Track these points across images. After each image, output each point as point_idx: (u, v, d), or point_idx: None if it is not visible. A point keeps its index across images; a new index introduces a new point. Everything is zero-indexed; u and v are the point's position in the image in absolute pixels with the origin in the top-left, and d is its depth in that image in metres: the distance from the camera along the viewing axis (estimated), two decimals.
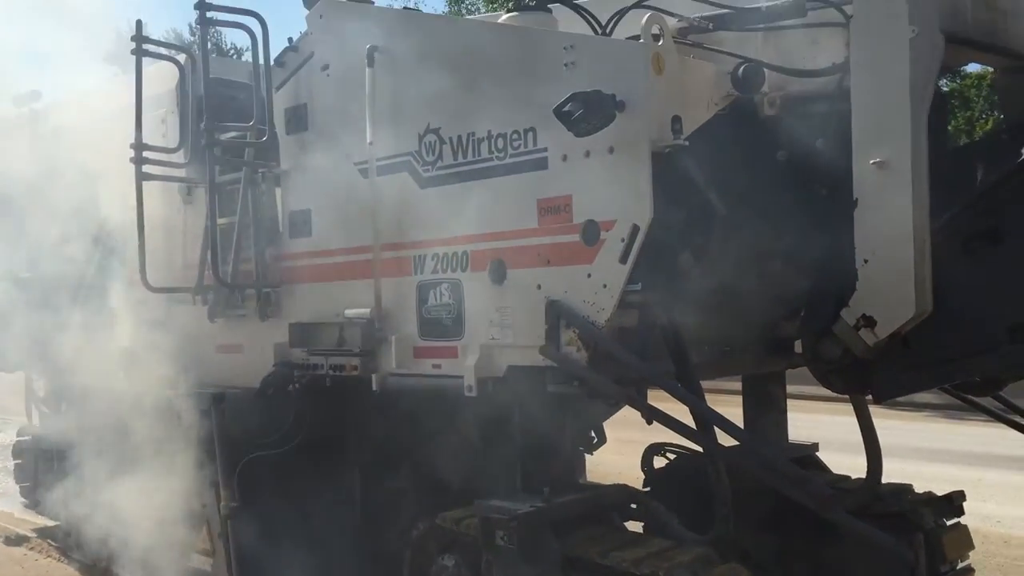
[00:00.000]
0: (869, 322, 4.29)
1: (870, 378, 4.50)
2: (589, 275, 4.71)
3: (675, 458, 6.58)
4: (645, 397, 4.85)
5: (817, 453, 6.56)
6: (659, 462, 6.60)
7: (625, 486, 5.42)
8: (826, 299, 4.52)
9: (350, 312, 5.89)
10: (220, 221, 6.50)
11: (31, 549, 8.78)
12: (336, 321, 5.97)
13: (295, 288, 6.42)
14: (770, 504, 5.37)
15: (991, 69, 5.62)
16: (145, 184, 6.75)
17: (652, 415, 4.69)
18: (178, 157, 7.01)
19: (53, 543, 8.71)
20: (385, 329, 5.75)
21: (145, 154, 6.73)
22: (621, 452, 7.97)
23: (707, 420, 4.68)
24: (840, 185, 4.46)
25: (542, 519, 4.96)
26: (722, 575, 4.67)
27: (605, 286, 4.64)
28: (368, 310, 5.78)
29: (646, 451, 6.68)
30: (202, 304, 6.95)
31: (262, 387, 6.25)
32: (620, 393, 4.84)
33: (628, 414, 6.69)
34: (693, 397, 4.70)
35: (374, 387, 5.77)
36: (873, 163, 4.26)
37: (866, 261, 4.31)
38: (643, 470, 6.65)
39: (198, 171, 6.81)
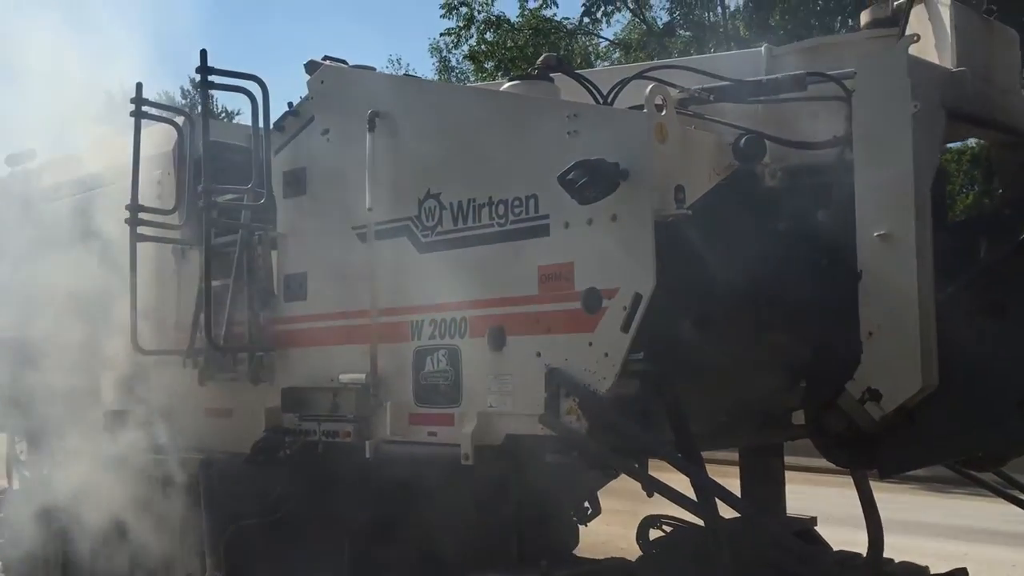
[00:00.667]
0: (875, 395, 4.24)
1: (875, 452, 4.44)
2: (590, 343, 4.66)
3: (672, 531, 6.46)
4: (646, 468, 4.77)
5: (815, 527, 6.46)
6: (653, 536, 6.49)
7: (624, 559, 5.31)
8: (830, 372, 4.48)
9: (345, 377, 5.81)
10: (214, 283, 6.43)
11: None
12: (330, 386, 5.88)
13: (289, 352, 6.33)
14: None
15: (971, 143, 5.68)
16: (139, 245, 6.71)
17: (653, 487, 4.60)
18: (173, 219, 6.98)
19: None
20: (380, 395, 5.66)
21: (140, 215, 6.69)
22: (612, 523, 7.86)
23: (709, 492, 4.59)
24: (843, 257, 4.44)
25: None
26: None
27: (606, 355, 4.58)
28: (363, 375, 5.70)
29: (642, 523, 6.55)
30: (192, 367, 6.85)
31: (252, 453, 6.12)
32: (620, 464, 4.76)
33: (620, 484, 6.63)
34: (695, 468, 4.62)
35: (367, 454, 5.66)
36: (877, 236, 4.26)
37: (871, 334, 4.28)
38: (638, 542, 6.51)
39: (193, 233, 6.78)
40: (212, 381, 6.84)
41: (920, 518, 11.81)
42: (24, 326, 8.00)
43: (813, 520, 6.53)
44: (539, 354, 4.88)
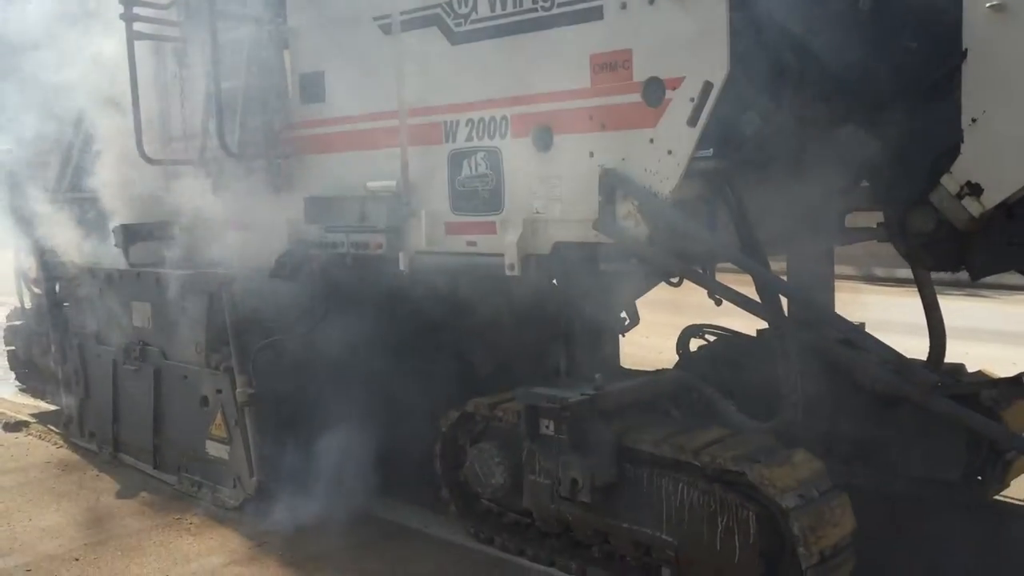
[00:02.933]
0: (975, 190, 3.82)
1: (965, 253, 4.07)
2: (651, 140, 4.21)
3: (715, 340, 6.22)
4: (714, 273, 4.41)
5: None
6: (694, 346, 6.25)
7: (680, 372, 5.04)
8: (920, 165, 4.05)
9: (373, 185, 5.38)
10: (222, 86, 5.89)
11: (31, 435, 8.41)
12: (357, 195, 5.47)
13: (309, 159, 5.87)
14: (816, 385, 4.99)
15: None
16: (137, 46, 6.12)
17: (721, 292, 4.27)
18: (172, 14, 6.35)
19: (54, 429, 8.34)
20: (413, 203, 5.25)
21: (136, 10, 6.07)
22: (649, 334, 7.63)
23: (775, 291, 4.24)
24: (944, 35, 3.92)
25: (594, 408, 4.59)
26: (788, 464, 4.33)
27: (670, 152, 4.14)
28: (393, 182, 5.27)
29: (683, 333, 6.31)
30: (205, 178, 6.41)
31: (276, 267, 5.78)
32: (684, 270, 4.40)
33: (653, 294, 6.34)
34: (762, 268, 4.28)
35: (401, 267, 5.31)
36: (989, 7, 3.71)
37: (974, 120, 3.81)
38: (678, 352, 6.29)
39: (195, 29, 6.17)
40: (228, 192, 6.42)
41: (972, 324, 11.56)
42: (29, 139, 7.49)
43: (862, 326, 6.26)
44: (592, 154, 4.43)
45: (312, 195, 5.76)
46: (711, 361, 6.03)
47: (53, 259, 7.67)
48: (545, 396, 4.67)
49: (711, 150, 4.09)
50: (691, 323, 6.32)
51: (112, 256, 7.13)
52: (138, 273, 6.76)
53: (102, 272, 7.09)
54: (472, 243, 5.03)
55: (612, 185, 4.34)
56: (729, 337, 6.11)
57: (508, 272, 4.75)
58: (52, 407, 9.16)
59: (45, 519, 6.43)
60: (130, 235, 6.82)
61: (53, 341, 7.76)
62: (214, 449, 6.18)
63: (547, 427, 4.72)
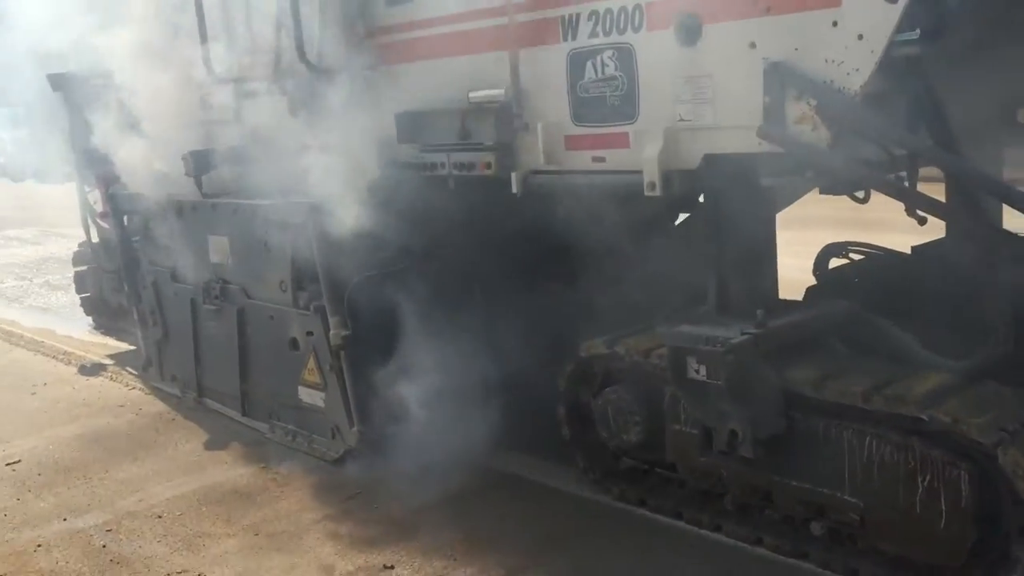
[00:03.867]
0: None
1: None
2: (835, 23, 3.41)
3: (861, 259, 5.44)
4: (915, 180, 3.64)
5: None
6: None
7: (848, 303, 4.31)
8: None
9: (477, 95, 4.66)
10: None
11: (108, 378, 8.00)
12: (458, 108, 4.76)
13: (399, 69, 5.15)
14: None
15: None
16: None
17: (921, 202, 3.53)
18: None
19: (132, 371, 7.92)
20: (526, 115, 4.54)
21: None
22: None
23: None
24: None
25: (757, 348, 3.91)
26: (974, 402, 3.61)
27: (861, 37, 3.35)
28: (501, 91, 4.55)
29: (823, 252, 5.55)
30: (280, 95, 5.74)
31: (367, 195, 5.12)
32: (879, 181, 3.63)
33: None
34: (968, 166, 3.52)
35: (513, 189, 4.63)
36: None
37: None
38: (815, 274, 5.53)
39: None
40: (308, 111, 5.75)
41: None
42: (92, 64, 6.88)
43: None
44: (753, 45, 3.65)
45: (405, 110, 5.06)
46: (857, 284, 5.28)
47: (121, 191, 7.11)
48: (699, 336, 3.99)
49: (917, 31, 3.28)
50: (830, 240, 5.56)
51: (184, 186, 6.56)
52: (213, 204, 6.17)
53: (174, 204, 6.52)
54: (599, 159, 4.31)
55: (781, 82, 3.57)
56: (880, 256, 5.34)
57: (648, 192, 4.04)
58: (128, 347, 8.78)
59: (123, 470, 6.02)
60: (201, 162, 6.21)
61: (125, 279, 7.27)
62: (308, 396, 5.65)
63: (697, 371, 4.05)
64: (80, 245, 9.49)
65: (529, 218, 4.65)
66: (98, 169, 7.33)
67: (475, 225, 4.94)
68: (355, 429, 5.32)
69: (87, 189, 8.18)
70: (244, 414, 6.23)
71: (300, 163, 5.69)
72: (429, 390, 4.97)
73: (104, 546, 5.05)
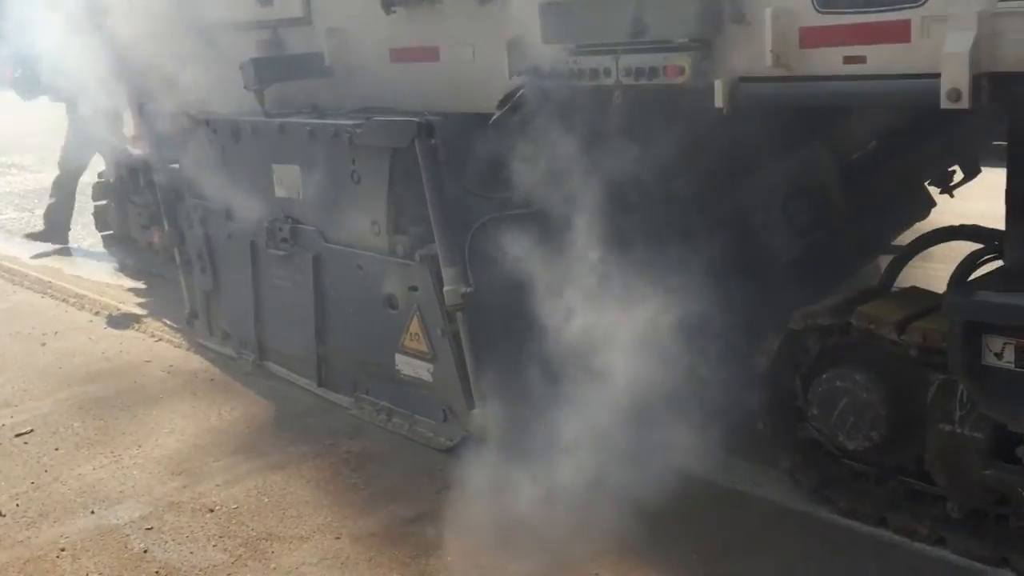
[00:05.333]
0: None
1: None
2: None
3: None
4: None
5: None
6: None
7: None
8: None
9: None
10: None
11: (142, 332, 6.85)
12: None
13: None
14: None
15: None
16: None
17: None
18: None
19: (171, 324, 6.77)
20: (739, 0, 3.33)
21: None
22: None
23: None
24: None
25: None
26: None
27: None
28: None
29: None
30: None
31: (501, 112, 3.92)
32: None
33: None
34: None
35: (717, 103, 3.41)
36: None
37: None
38: None
39: None
40: (403, 6, 4.54)
41: None
42: None
43: None
44: None
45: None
46: None
47: (159, 109, 5.88)
48: (1010, 308, 2.84)
49: None
50: None
51: (240, 102, 5.36)
52: (281, 125, 4.96)
53: (228, 124, 5.31)
54: (855, 58, 3.10)
55: None
56: None
57: (948, 103, 2.83)
58: (162, 294, 7.63)
59: (159, 445, 4.91)
60: (265, 72, 4.99)
61: (165, 216, 6.08)
62: (409, 367, 4.51)
63: (999, 355, 2.91)
64: (100, 175, 8.31)
65: (733, 143, 3.44)
66: (129, 83, 6.10)
67: (648, 153, 3.72)
68: (476, 411, 4.18)
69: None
70: (321, 384, 5.09)
71: (397, 72, 4.50)
72: (580, 368, 3.81)
73: (145, 551, 3.94)
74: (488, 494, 4.01)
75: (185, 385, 5.72)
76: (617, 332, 3.71)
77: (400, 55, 4.74)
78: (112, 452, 4.93)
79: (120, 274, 8.47)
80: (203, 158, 5.57)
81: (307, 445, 4.80)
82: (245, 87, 5.03)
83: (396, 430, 4.63)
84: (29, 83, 7.40)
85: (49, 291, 8.03)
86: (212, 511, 4.25)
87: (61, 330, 7.00)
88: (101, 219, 8.27)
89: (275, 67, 5.00)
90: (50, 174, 10.16)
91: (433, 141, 4.12)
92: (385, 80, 4.85)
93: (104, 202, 8.17)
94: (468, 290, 4.09)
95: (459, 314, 4.14)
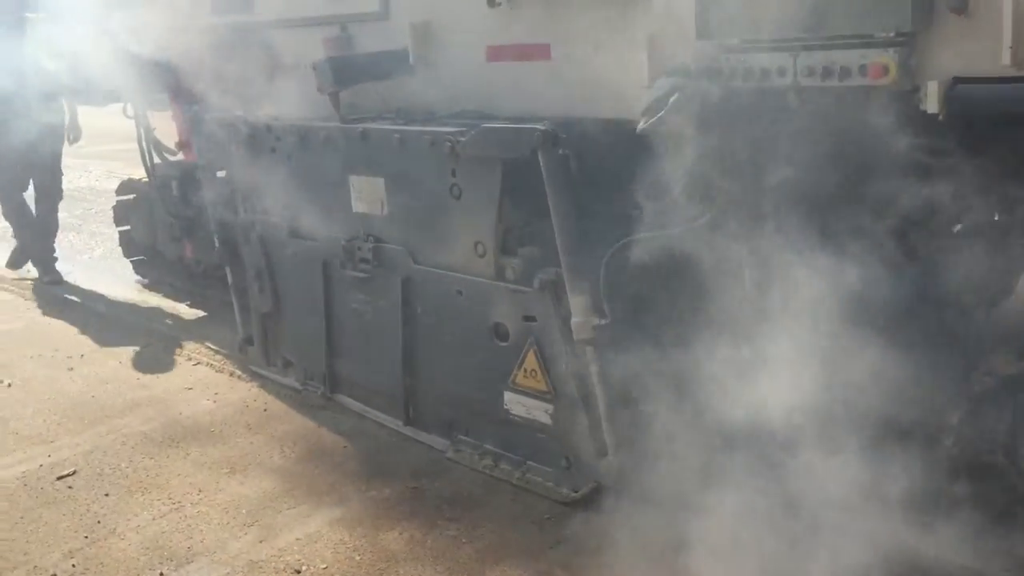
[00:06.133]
0: None
1: None
2: None
3: None
4: None
5: None
6: None
7: None
8: None
9: None
10: None
11: (187, 358, 6.27)
12: None
13: None
14: None
15: None
16: None
17: None
18: None
19: (215, 348, 6.20)
20: None
21: None
22: None
23: None
24: None
25: None
26: None
27: None
28: None
29: None
30: None
31: (648, 119, 3.38)
32: None
33: None
34: None
35: (930, 107, 2.90)
36: None
37: None
38: None
39: None
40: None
41: None
42: None
43: None
44: None
45: None
46: None
47: (210, 114, 5.32)
48: None
49: None
50: None
51: (305, 106, 4.82)
52: (363, 132, 4.41)
53: (295, 131, 4.75)
54: None
55: None
56: None
57: None
58: (196, 312, 7.08)
59: (222, 489, 4.37)
60: (344, 72, 4.44)
61: (216, 232, 5.51)
62: (521, 406, 3.98)
63: None
64: (119, 191, 7.74)
65: (949, 156, 2.92)
66: (173, 85, 5.54)
67: (827, 166, 3.20)
68: (610, 459, 3.65)
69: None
70: (409, 422, 4.54)
71: (495, 73, 3.99)
72: (740, 416, 3.29)
73: None
74: (616, 552, 3.52)
75: (236, 417, 5.19)
76: (808, 370, 3.18)
77: (500, 53, 4.22)
78: (170, 498, 4.38)
79: (144, 290, 7.93)
80: (263, 168, 5.01)
81: (389, 488, 4.29)
82: (319, 90, 4.48)
83: (504, 477, 4.09)
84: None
85: (67, 309, 7.46)
86: (299, 572, 3.72)
87: (87, 353, 6.43)
88: (128, 245, 7.72)
89: (354, 67, 4.46)
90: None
91: (562, 152, 3.58)
92: (479, 81, 4.32)
93: (128, 228, 7.60)
94: (603, 322, 3.57)
95: (589, 349, 3.62)
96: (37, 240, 8.01)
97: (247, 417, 5.18)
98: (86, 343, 6.64)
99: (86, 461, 4.79)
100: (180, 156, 6.42)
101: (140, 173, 7.22)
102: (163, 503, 4.35)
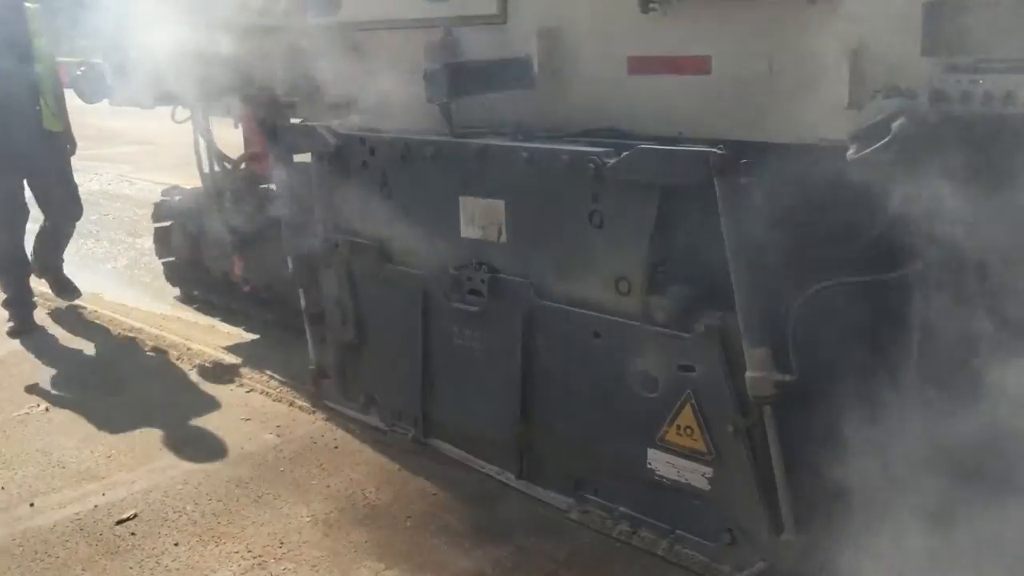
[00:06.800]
0: None
1: None
2: None
3: None
4: None
5: None
6: None
7: None
8: None
9: None
10: None
11: (230, 380, 5.75)
12: None
13: None
14: None
15: None
16: None
17: None
18: None
19: (276, 377, 5.69)
20: None
21: None
22: None
23: None
24: None
25: None
26: None
27: None
28: None
29: None
30: None
31: (862, 145, 2.90)
32: None
33: None
34: None
35: None
36: None
37: None
38: None
39: None
40: (666, 5, 3.55)
41: None
42: None
43: None
44: None
45: None
46: None
47: (293, 124, 4.83)
48: None
49: None
50: None
51: (403, 117, 4.35)
52: (481, 149, 3.92)
53: (399, 144, 4.26)
54: None
55: None
56: None
57: None
58: (247, 334, 6.57)
59: (309, 540, 3.93)
60: (460, 81, 3.95)
61: (289, 250, 5.00)
62: (671, 467, 3.47)
63: None
64: (164, 193, 7.24)
65: None
66: (248, 90, 5.05)
67: None
68: (786, 537, 3.16)
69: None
70: (522, 475, 4.03)
71: (637, 86, 3.53)
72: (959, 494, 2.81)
73: None
74: None
75: (306, 454, 4.70)
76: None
77: (645, 65, 3.74)
78: (248, 549, 3.90)
79: (179, 304, 7.42)
80: (352, 184, 4.52)
81: (497, 547, 3.80)
82: (429, 99, 3.99)
83: (644, 547, 3.58)
84: (93, 84, 6.29)
85: (94, 323, 6.94)
86: None
87: (125, 376, 5.93)
88: (164, 243, 7.19)
89: (472, 76, 3.97)
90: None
91: (743, 180, 3.10)
92: (616, 96, 3.85)
93: (169, 223, 7.08)
94: (788, 378, 3.08)
95: (768, 408, 3.13)
96: (45, 252, 7.06)
97: (318, 455, 4.69)
98: (120, 363, 6.16)
99: (146, 502, 4.31)
100: (242, 167, 5.91)
101: (164, 179, 6.73)
102: (243, 557, 3.87)
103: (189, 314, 7.19)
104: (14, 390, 5.72)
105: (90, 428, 5.18)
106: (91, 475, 4.62)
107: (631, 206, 3.44)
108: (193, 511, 4.22)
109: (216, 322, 6.96)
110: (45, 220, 6.97)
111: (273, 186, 5.12)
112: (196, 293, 7.14)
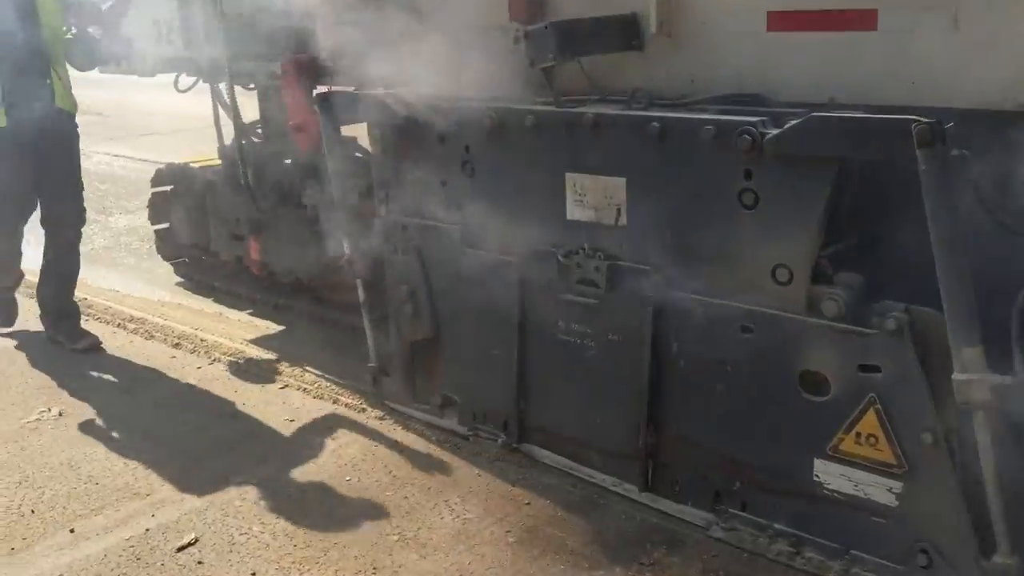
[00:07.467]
0: None
1: None
2: None
3: None
4: None
5: None
6: None
7: None
8: None
9: None
10: None
11: (259, 375, 5.21)
12: None
13: None
14: None
15: None
16: None
17: None
18: None
19: (322, 375, 5.14)
20: None
21: None
22: None
23: None
24: None
25: None
26: None
27: None
28: None
29: None
30: None
31: None
32: None
33: None
34: None
35: None
36: None
37: None
38: None
39: None
40: None
41: None
42: None
43: None
44: None
45: None
46: None
47: (344, 91, 4.27)
48: None
49: None
50: None
51: (483, 85, 3.82)
52: (601, 118, 3.43)
53: (491, 114, 3.74)
54: None
55: None
56: None
57: None
58: (271, 326, 6.03)
59: (406, 565, 3.42)
60: (568, 41, 3.45)
61: (345, 233, 4.45)
62: (846, 480, 3.05)
63: None
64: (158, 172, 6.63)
65: None
66: (292, 54, 4.46)
67: None
68: (999, 561, 2.77)
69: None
70: (648, 487, 3.58)
71: (780, 45, 3.09)
72: None
73: None
74: None
75: (371, 461, 4.22)
76: None
77: (790, 20, 3.28)
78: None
79: (177, 290, 6.84)
80: (426, 160, 3.99)
81: (616, 567, 3.37)
82: (532, 63, 3.48)
83: (811, 570, 3.17)
84: (107, 48, 5.53)
85: (91, 312, 6.30)
86: None
87: (139, 372, 5.36)
88: (159, 208, 6.58)
89: (581, 36, 3.47)
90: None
91: (956, 152, 2.68)
92: (752, 57, 3.38)
93: (169, 188, 6.46)
94: (1009, 381, 2.68)
95: (981, 414, 2.72)
96: (52, 291, 5.71)
97: (384, 460, 4.21)
98: (132, 358, 5.56)
99: (204, 523, 3.79)
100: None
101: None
102: None
103: (192, 300, 6.62)
104: (15, 393, 5.12)
105: (114, 434, 4.63)
106: (131, 491, 4.08)
107: (795, 183, 3.00)
108: (261, 532, 3.72)
109: (224, 309, 6.42)
110: (45, 249, 5.71)
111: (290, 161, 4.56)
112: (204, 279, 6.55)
